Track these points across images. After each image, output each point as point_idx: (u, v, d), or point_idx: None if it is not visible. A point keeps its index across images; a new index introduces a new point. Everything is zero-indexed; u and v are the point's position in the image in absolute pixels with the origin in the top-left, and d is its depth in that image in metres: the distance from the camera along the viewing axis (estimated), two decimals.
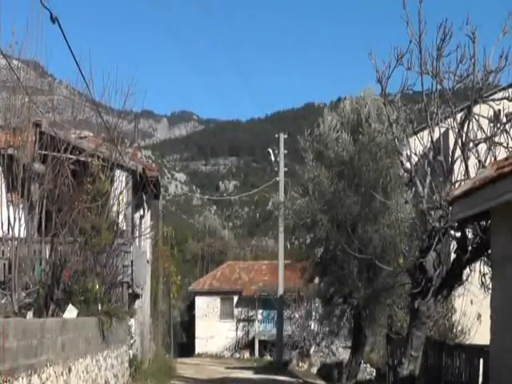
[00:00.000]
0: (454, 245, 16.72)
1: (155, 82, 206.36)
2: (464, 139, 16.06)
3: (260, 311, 45.34)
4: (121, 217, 18.13)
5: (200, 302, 47.68)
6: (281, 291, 35.11)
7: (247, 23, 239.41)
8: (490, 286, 11.33)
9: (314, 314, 35.13)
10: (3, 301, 13.60)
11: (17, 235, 14.61)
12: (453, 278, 16.48)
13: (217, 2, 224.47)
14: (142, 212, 24.68)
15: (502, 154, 14.77)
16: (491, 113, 16.76)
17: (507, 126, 16.00)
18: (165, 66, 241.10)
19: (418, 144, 17.04)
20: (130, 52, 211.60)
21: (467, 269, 16.80)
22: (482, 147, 16.12)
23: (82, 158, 16.48)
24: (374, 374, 22.11)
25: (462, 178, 15.48)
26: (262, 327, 44.92)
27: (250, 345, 45.46)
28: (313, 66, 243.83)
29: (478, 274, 17.20)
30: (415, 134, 17.99)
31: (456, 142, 16.23)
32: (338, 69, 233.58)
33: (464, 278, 17.03)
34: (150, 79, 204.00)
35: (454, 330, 20.94)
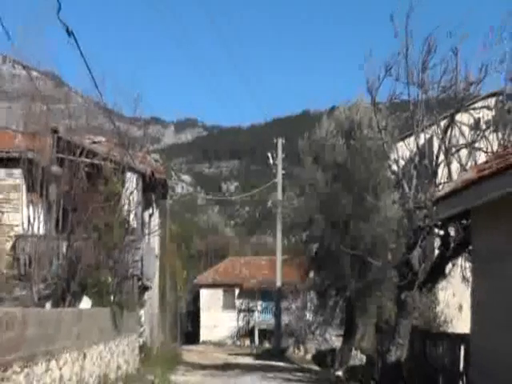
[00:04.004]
0: (437, 242, 16.75)
1: (163, 92, 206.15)
2: (447, 145, 16.10)
3: (259, 302, 45.31)
4: (131, 215, 18.13)
5: (204, 294, 47.68)
6: (279, 284, 35.10)
7: (250, 36, 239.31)
8: (471, 280, 11.37)
9: (309, 305, 35.11)
10: (24, 292, 13.63)
11: (36, 232, 14.66)
12: (436, 272, 16.51)
13: (223, 16, 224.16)
14: (150, 211, 24.67)
15: (481, 158, 14.82)
16: (472, 121, 16.82)
17: (486, 133, 16.06)
18: (172, 77, 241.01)
19: (405, 149, 17.07)
20: (139, 63, 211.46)
21: (450, 264, 16.84)
22: (464, 152, 16.18)
23: (96, 162, 16.49)
24: (365, 360, 22.08)
25: (445, 180, 15.52)
26: (262, 317, 44.89)
27: (250, 333, 45.45)
28: (310, 75, 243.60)
29: (459, 268, 17.27)
30: (402, 139, 18.04)
31: (440, 148, 16.26)
32: (333, 78, 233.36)
33: (447, 272, 17.07)
34: (158, 89, 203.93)
35: (438, 320, 20.97)
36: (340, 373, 20.66)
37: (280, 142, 36.12)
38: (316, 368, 24.89)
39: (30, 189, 16.26)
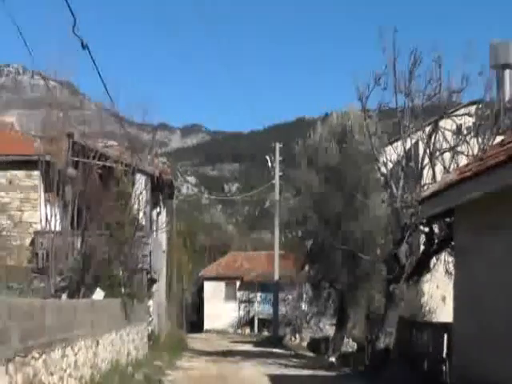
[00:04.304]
0: (422, 238, 16.78)
1: (170, 100, 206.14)
2: (431, 149, 16.12)
3: (259, 294, 45.22)
4: (141, 214, 18.10)
5: (208, 286, 47.61)
6: (276, 277, 35.09)
7: (250, 55, 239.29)
8: (453, 273, 11.38)
9: (304, 296, 35.02)
10: (42, 284, 13.63)
11: (53, 229, 14.64)
12: (422, 266, 16.54)
13: (225, 35, 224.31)
14: (158, 209, 24.65)
15: (463, 161, 14.83)
16: (454, 126, 16.85)
17: (468, 138, 16.08)
18: (178, 87, 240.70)
19: (393, 152, 17.10)
20: (148, 74, 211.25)
21: (434, 258, 16.87)
22: (447, 155, 16.21)
23: (108, 164, 16.48)
24: (356, 347, 22.06)
25: (430, 181, 15.54)
26: (261, 307, 44.80)
27: (250, 322, 45.39)
28: (304, 84, 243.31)
29: (442, 262, 17.29)
30: (390, 144, 18.05)
31: (425, 151, 16.28)
32: (326, 88, 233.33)
33: (431, 266, 17.10)
34: (166, 97, 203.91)
35: (423, 310, 20.95)
36: (333, 359, 20.64)
37: (277, 146, 36.12)
38: (311, 354, 24.87)
39: (48, 189, 16.27)
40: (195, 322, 45.89)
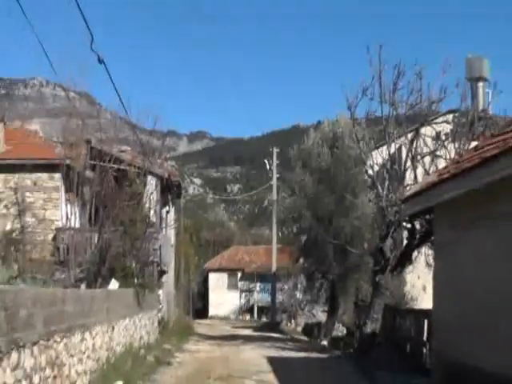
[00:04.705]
0: (405, 233, 16.79)
1: (178, 109, 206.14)
2: (413, 153, 16.13)
3: (258, 284, 45.22)
4: (151, 212, 18.11)
5: (212, 277, 47.61)
6: (274, 269, 35.09)
7: (251, 68, 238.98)
8: (433, 265, 11.41)
9: (299, 286, 35.01)
10: (63, 276, 13.64)
11: (73, 226, 14.67)
12: (405, 259, 16.55)
13: (227, 49, 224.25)
14: (167, 208, 24.64)
15: (442, 164, 14.84)
16: (434, 133, 16.87)
17: (446, 143, 16.11)
18: (186, 97, 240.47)
19: (379, 156, 17.10)
20: (159, 86, 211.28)
21: (415, 251, 16.88)
22: (427, 159, 16.23)
23: (122, 167, 16.47)
24: (345, 331, 22.10)
25: (412, 182, 15.55)
26: (260, 296, 44.80)
27: (250, 309, 45.39)
28: (299, 95, 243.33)
29: (423, 255, 17.30)
30: (377, 148, 18.06)
31: (407, 155, 16.29)
32: (318, 98, 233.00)
33: (413, 258, 17.10)
34: (174, 107, 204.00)
35: (406, 298, 20.97)
36: (325, 342, 20.67)
37: (275, 151, 36.13)
38: (305, 338, 24.87)
39: (68, 190, 16.30)
40: (201, 309, 45.88)
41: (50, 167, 19.01)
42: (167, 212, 24.67)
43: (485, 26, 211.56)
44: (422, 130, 16.43)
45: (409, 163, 16.17)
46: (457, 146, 15.84)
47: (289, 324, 33.81)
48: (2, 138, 20.74)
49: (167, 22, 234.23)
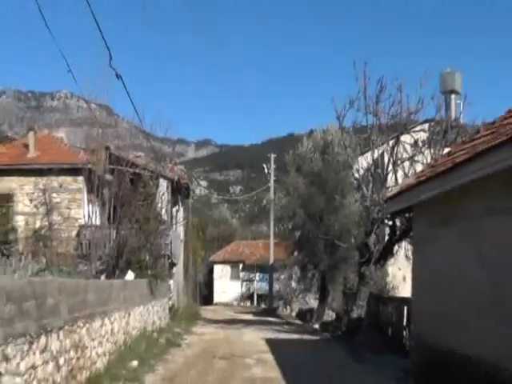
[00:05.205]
0: (387, 230, 16.80)
1: (187, 119, 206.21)
2: (394, 158, 16.15)
3: (257, 274, 45.17)
4: (163, 210, 18.13)
5: (216, 268, 47.59)
6: (271, 261, 35.09)
7: (250, 84, 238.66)
8: (412, 257, 11.41)
9: (293, 276, 34.90)
10: (85, 268, 13.65)
11: (94, 223, 14.68)
12: (387, 252, 16.56)
13: (229, 67, 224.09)
14: (177, 207, 24.64)
15: (419, 168, 14.86)
16: (412, 140, 16.88)
17: (423, 149, 16.13)
18: (194, 110, 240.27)
19: (364, 161, 17.12)
20: (171, 100, 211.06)
21: (396, 246, 16.89)
22: (406, 164, 16.25)
23: (137, 171, 16.51)
24: (334, 316, 22.07)
25: (393, 184, 15.56)
26: (259, 285, 44.76)
27: (250, 297, 45.37)
28: (294, 107, 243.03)
29: (403, 249, 17.30)
30: (362, 154, 18.08)
31: (389, 160, 16.31)
32: (311, 109, 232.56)
33: (394, 252, 17.11)
34: (183, 117, 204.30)
35: (388, 287, 20.93)
36: (316, 326, 20.67)
37: (272, 156, 36.15)
38: (299, 322, 24.87)
39: (90, 191, 16.32)
40: (206, 297, 45.85)
41: (74, 171, 19.03)
42: (177, 211, 24.68)
43: (460, 40, 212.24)
44: (402, 138, 16.46)
45: (390, 167, 16.19)
46: (432, 151, 15.87)
47: (284, 310, 33.77)
48: (32, 145, 20.78)
49: (179, 47, 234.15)
